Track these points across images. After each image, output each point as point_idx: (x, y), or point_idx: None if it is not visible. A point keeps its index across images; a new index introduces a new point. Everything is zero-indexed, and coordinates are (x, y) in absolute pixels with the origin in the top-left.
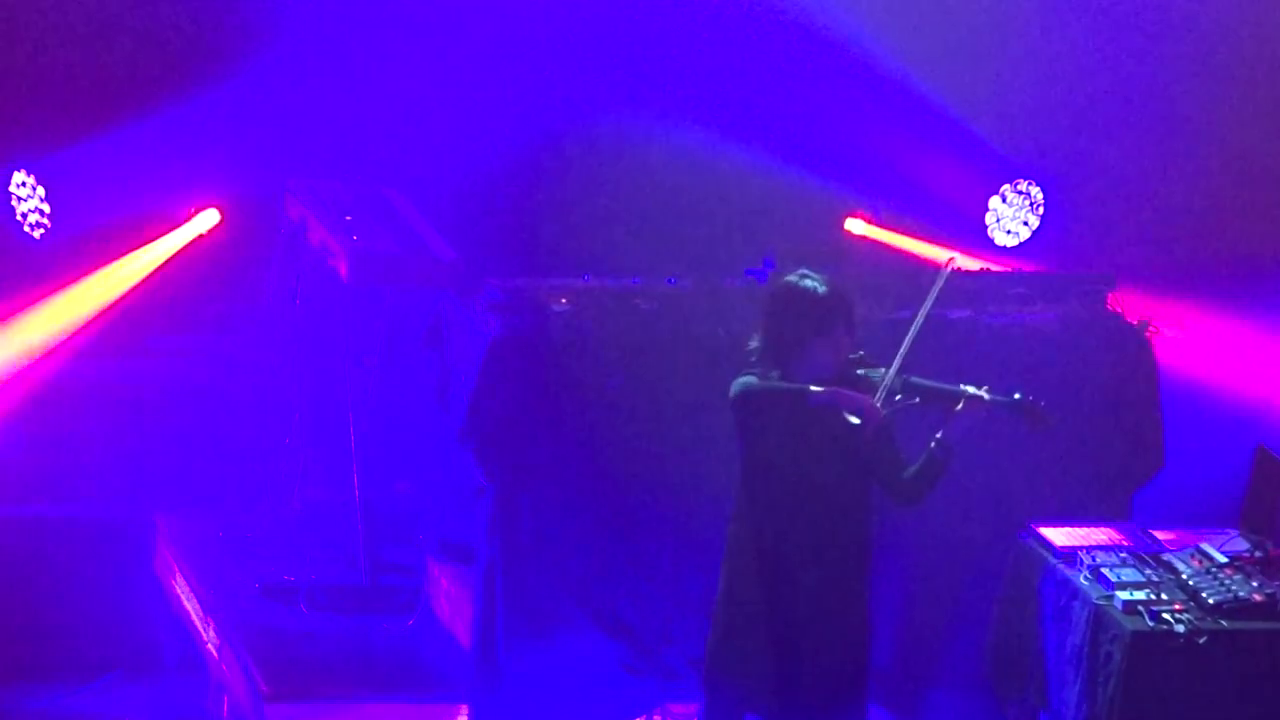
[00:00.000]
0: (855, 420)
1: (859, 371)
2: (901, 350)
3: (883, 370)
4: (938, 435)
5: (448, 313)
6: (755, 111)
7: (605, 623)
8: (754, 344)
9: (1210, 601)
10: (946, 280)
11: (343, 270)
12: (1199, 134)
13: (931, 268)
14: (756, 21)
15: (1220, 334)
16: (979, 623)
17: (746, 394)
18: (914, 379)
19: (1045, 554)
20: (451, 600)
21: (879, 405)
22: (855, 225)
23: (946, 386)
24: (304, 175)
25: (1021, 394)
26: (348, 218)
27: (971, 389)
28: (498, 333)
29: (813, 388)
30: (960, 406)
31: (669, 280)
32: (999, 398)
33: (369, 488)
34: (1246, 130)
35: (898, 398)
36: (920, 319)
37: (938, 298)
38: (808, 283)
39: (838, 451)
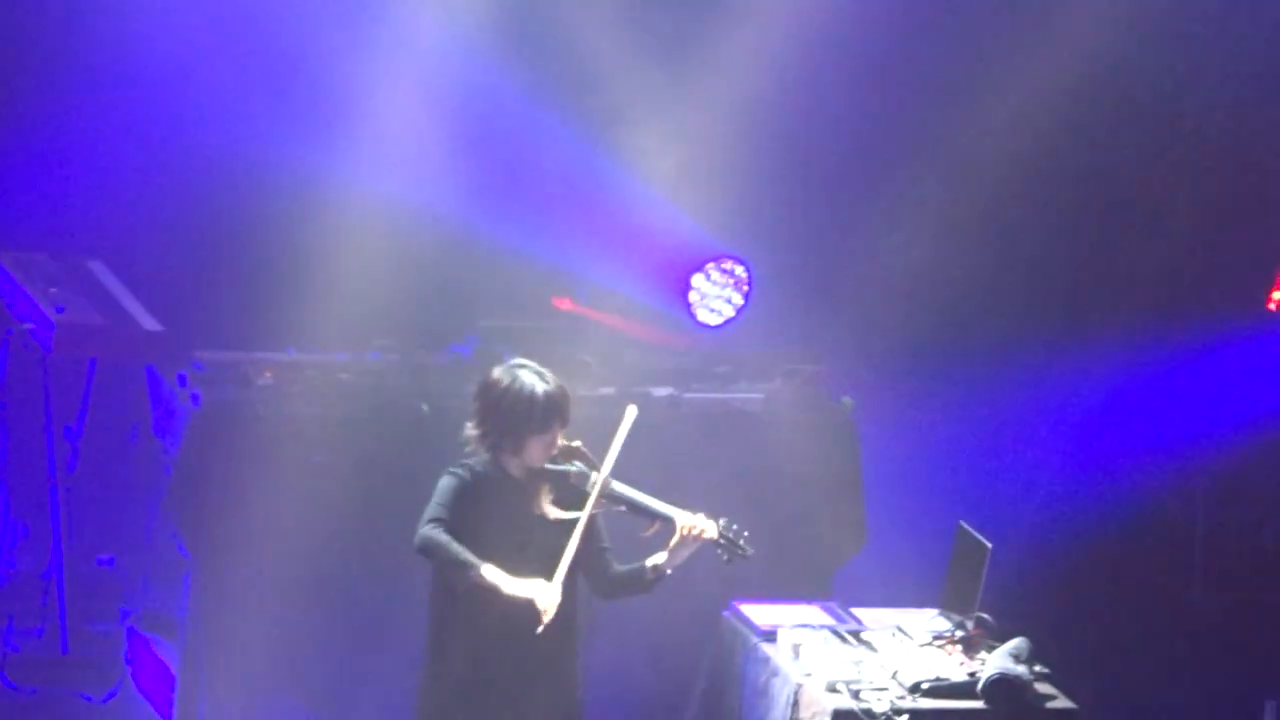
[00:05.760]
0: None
1: (573, 468)
2: (612, 456)
3: (592, 476)
4: (659, 562)
5: (152, 385)
6: (469, 181)
7: (311, 697)
8: (470, 431)
9: (911, 680)
10: (629, 419)
11: (47, 342)
12: (910, 211)
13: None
14: (462, 90)
15: (927, 412)
16: (680, 700)
17: (422, 550)
18: (620, 490)
19: (747, 632)
20: (154, 673)
21: (553, 589)
22: (564, 303)
23: (652, 506)
24: (7, 246)
25: (730, 525)
26: (52, 290)
27: (677, 512)
28: (201, 406)
29: (483, 570)
30: (656, 528)
31: (373, 355)
32: (718, 534)
33: (72, 559)
34: (959, 205)
35: (621, 509)
36: (617, 446)
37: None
38: (527, 381)
39: (543, 561)
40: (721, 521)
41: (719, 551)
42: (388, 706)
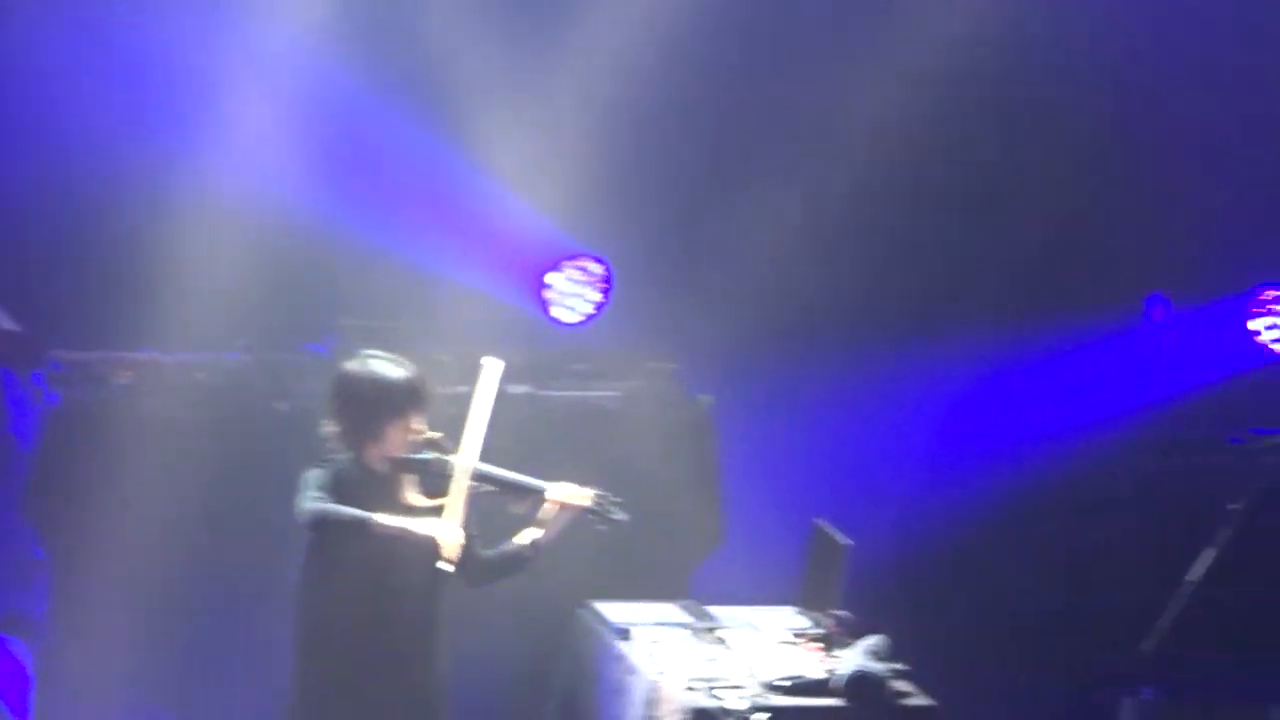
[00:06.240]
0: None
1: (432, 455)
2: (478, 440)
3: (452, 460)
4: (535, 536)
5: (8, 385)
6: (326, 179)
7: (171, 699)
8: (329, 428)
9: (768, 678)
10: (491, 375)
11: None
12: (768, 206)
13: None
14: (315, 87)
15: (785, 410)
16: (537, 700)
17: (314, 522)
18: (486, 468)
19: (603, 630)
20: (10, 675)
21: (456, 526)
22: None
23: (522, 481)
24: None
25: (602, 493)
26: None
27: (547, 484)
28: (57, 406)
29: (377, 517)
30: (528, 504)
31: (231, 355)
32: (592, 501)
33: None
34: (819, 198)
35: (490, 488)
36: (480, 413)
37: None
38: (379, 368)
39: (417, 553)
40: (592, 490)
41: (591, 518)
42: (253, 707)
